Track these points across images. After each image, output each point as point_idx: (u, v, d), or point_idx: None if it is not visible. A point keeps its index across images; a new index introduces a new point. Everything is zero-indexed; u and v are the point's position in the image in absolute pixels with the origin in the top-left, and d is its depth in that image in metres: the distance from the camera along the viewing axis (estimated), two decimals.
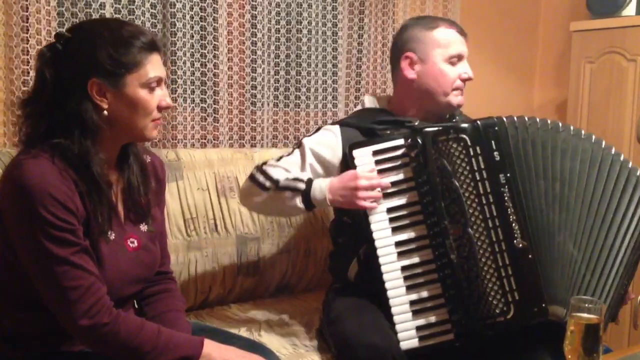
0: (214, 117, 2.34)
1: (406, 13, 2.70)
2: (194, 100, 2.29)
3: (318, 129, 1.90)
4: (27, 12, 1.94)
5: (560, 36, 3.16)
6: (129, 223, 1.47)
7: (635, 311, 2.64)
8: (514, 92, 3.23)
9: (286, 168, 1.79)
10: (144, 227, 1.50)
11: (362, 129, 1.84)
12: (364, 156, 1.71)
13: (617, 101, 2.72)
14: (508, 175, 1.64)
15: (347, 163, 1.74)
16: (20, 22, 1.93)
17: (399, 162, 1.71)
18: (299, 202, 1.71)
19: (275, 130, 2.53)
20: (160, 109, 1.41)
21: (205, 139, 2.36)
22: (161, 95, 1.41)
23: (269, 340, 1.81)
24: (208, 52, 2.30)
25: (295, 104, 2.55)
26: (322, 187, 1.70)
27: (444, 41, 1.84)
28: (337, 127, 1.86)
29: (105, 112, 1.35)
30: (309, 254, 2.29)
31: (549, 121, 1.73)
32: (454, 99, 1.86)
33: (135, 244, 1.46)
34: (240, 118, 2.43)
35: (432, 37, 1.84)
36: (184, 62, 2.24)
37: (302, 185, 1.71)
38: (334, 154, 1.83)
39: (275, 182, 1.74)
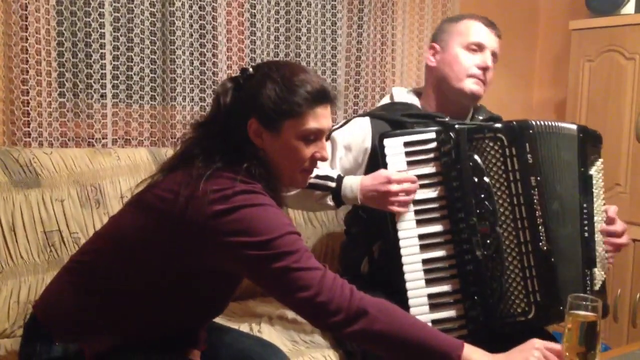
0: None
1: (405, 12, 2.71)
2: (192, 99, 2.29)
3: (348, 121, 1.90)
4: (26, 11, 1.94)
5: (559, 35, 3.16)
6: None
7: (634, 309, 2.64)
8: (513, 90, 3.22)
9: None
10: None
11: (391, 121, 1.82)
12: (395, 147, 1.69)
13: (616, 99, 2.71)
14: (538, 178, 1.66)
15: (377, 153, 1.72)
16: (19, 21, 1.93)
17: (430, 155, 1.69)
18: (329, 200, 1.73)
19: None
20: (313, 160, 1.41)
21: None
22: (318, 147, 1.40)
23: (269, 336, 1.80)
24: (207, 51, 2.30)
25: None
26: (352, 186, 1.70)
27: (465, 30, 1.87)
28: (367, 119, 1.85)
29: (261, 152, 1.37)
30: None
31: (562, 124, 1.75)
32: (468, 86, 1.85)
33: None
34: None
35: (455, 27, 1.89)
36: (183, 61, 2.24)
37: (333, 184, 1.72)
38: (363, 145, 1.83)
39: None
